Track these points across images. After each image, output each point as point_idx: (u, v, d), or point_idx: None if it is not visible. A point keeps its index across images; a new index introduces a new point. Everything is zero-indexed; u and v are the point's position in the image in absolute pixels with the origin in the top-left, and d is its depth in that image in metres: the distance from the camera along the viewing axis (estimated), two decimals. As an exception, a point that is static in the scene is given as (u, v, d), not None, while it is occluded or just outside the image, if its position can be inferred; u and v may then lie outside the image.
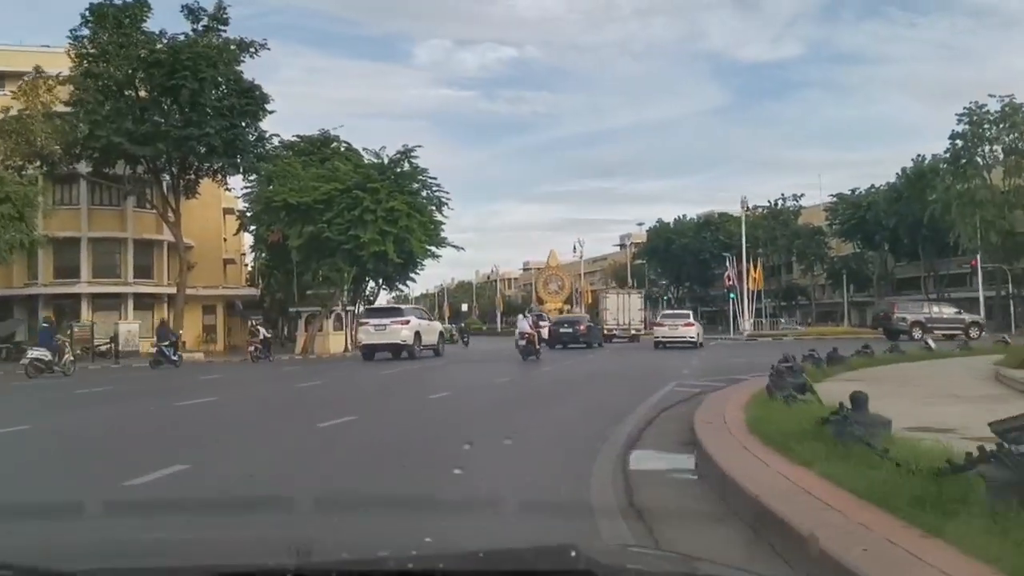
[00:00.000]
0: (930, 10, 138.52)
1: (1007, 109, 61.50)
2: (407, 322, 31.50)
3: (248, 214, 45.75)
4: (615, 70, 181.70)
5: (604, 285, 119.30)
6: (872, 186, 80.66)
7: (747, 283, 53.47)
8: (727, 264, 57.41)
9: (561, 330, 39.97)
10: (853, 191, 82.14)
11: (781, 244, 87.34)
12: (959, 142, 63.61)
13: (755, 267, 55.62)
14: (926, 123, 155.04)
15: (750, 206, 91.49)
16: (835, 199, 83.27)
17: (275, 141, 40.27)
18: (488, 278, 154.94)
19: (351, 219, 40.92)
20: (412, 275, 50.54)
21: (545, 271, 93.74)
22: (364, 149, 45.86)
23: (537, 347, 27.61)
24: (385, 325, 30.80)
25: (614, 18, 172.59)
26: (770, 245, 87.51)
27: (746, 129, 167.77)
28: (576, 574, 1.63)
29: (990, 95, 62.82)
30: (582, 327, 39.62)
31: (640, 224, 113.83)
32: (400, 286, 54.12)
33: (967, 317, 38.38)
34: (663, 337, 36.52)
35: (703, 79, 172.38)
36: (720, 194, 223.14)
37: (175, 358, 29.30)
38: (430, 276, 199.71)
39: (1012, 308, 61.96)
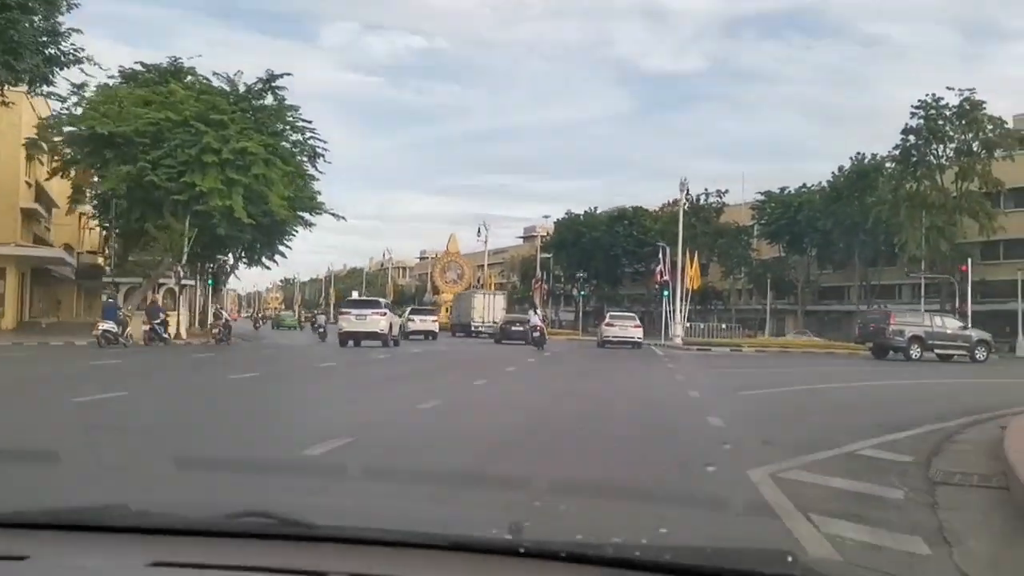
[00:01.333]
0: (825, 35, 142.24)
1: (966, 105, 55.46)
2: (385, 314, 33.54)
3: (42, 145, 34.19)
4: (524, 69, 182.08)
5: (505, 279, 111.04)
6: (804, 185, 74.43)
7: (683, 280, 45.18)
8: (659, 256, 49.09)
9: (512, 328, 41.90)
10: (782, 190, 75.70)
11: (702, 243, 79.95)
12: (911, 138, 57.41)
13: (691, 262, 47.46)
14: (817, 144, 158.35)
15: (671, 200, 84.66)
16: (763, 197, 76.60)
17: (76, 40, 28.74)
18: (382, 265, 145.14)
19: (187, 160, 30.31)
20: (281, 247, 40.17)
21: (444, 258, 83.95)
22: (215, 74, 34.98)
23: (545, 337, 34.24)
24: (366, 315, 32.57)
25: (525, 17, 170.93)
26: (689, 243, 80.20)
27: (649, 136, 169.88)
28: None
29: (948, 88, 56.84)
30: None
31: (546, 216, 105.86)
32: (266, 262, 43.20)
33: (973, 334, 30.86)
34: (613, 337, 37.29)
35: (610, 85, 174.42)
36: (619, 199, 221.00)
37: (165, 336, 30.18)
38: (318, 262, 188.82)
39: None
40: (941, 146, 57.06)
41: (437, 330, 42.75)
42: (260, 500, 2.02)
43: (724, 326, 58.22)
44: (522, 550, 1.68)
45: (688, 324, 44.91)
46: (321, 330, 40.32)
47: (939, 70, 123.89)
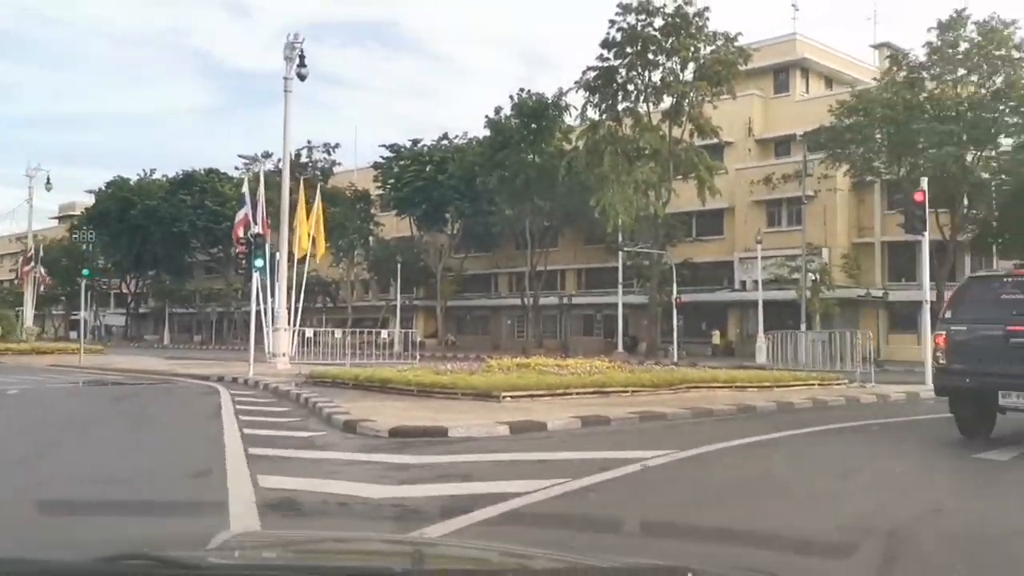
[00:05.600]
0: (403, 48, 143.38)
1: (676, 18, 39.53)
2: None
3: None
4: (90, 51, 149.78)
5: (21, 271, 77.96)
6: (444, 136, 54.96)
7: (291, 246, 22.11)
8: (243, 192, 25.29)
9: None
10: (415, 143, 55.52)
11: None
12: (611, 55, 40.26)
13: (309, 213, 24.61)
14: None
15: (261, 153, 60.61)
16: (391, 152, 55.72)
17: None
18: None
19: None
20: None
21: None
22: None
23: None
24: None
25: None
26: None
27: (236, 132, 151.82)
28: None
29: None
30: None
31: (89, 192, 75.80)
32: None
33: None
34: None
35: (191, 76, 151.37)
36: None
37: None
38: None
39: (678, 324, 39.84)
40: (648, 72, 40.66)
41: None
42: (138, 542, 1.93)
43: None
44: None
45: (312, 333, 21.75)
46: None
47: (503, 91, 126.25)
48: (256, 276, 20.07)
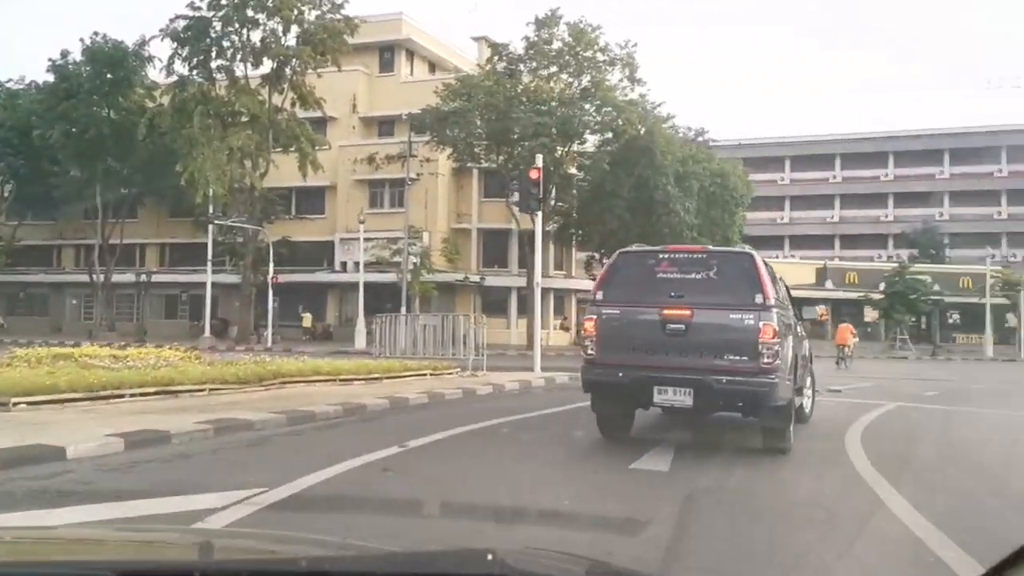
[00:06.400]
0: None
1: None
2: None
3: None
4: None
5: None
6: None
7: None
8: None
9: None
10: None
11: None
12: (203, 5, 35.86)
13: None
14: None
15: None
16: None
17: None
18: None
19: None
20: None
21: None
22: None
23: None
24: None
25: None
26: None
27: None
28: None
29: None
30: None
31: None
32: None
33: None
34: None
35: None
36: None
37: None
38: None
39: (274, 307, 36.74)
40: (246, 30, 36.91)
41: None
42: None
43: None
44: (198, 575, 1.52)
45: None
46: None
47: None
48: None
